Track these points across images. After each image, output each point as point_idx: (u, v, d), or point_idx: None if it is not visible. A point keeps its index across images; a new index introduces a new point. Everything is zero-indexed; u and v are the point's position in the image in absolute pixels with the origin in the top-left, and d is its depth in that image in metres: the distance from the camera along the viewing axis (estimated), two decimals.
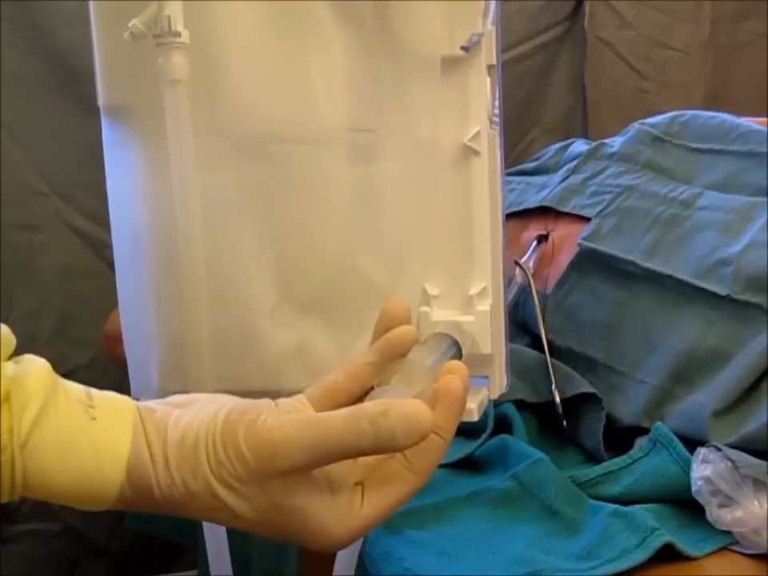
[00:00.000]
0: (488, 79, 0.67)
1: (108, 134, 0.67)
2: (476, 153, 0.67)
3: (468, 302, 0.68)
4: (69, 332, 1.32)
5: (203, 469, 0.45)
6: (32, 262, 1.29)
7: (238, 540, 0.97)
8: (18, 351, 0.48)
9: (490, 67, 0.67)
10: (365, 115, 0.66)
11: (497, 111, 0.68)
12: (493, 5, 0.66)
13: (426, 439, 0.44)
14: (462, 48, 0.65)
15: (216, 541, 0.75)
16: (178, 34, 0.59)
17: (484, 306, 0.67)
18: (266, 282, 0.66)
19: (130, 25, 0.59)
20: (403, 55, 0.65)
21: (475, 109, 0.66)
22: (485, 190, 0.67)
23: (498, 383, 0.69)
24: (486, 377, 0.68)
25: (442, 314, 0.68)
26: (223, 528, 0.74)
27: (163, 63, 0.59)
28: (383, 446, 0.43)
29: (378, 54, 0.65)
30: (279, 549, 0.85)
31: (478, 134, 0.66)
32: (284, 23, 0.64)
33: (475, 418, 0.64)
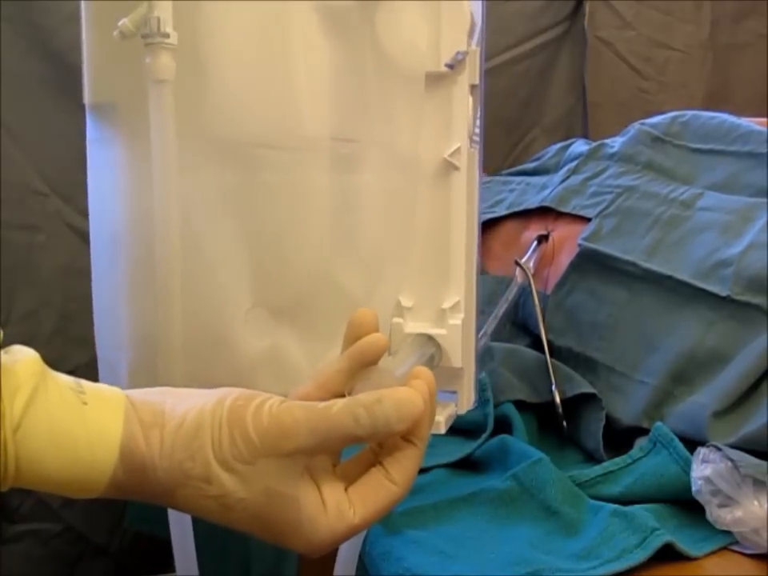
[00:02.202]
0: (470, 98, 0.68)
1: (92, 132, 0.68)
2: (456, 168, 0.67)
3: (441, 315, 0.68)
4: (69, 332, 1.32)
5: (204, 451, 0.45)
6: (32, 262, 1.29)
7: (238, 540, 0.97)
8: None
9: (472, 87, 0.68)
10: (348, 125, 0.66)
11: (477, 131, 0.69)
12: (478, 26, 0.67)
13: (402, 449, 0.47)
14: (447, 65, 0.66)
15: (183, 543, 0.75)
16: (167, 35, 0.60)
17: (456, 319, 0.68)
18: (242, 286, 0.66)
19: (119, 24, 0.60)
20: (389, 69, 0.66)
21: (457, 125, 0.67)
22: (463, 205, 0.68)
23: (467, 398, 0.70)
24: (455, 392, 0.69)
25: (414, 326, 0.68)
26: (190, 529, 0.74)
27: (150, 63, 0.60)
28: (379, 432, 0.46)
29: (364, 66, 0.66)
30: (279, 549, 0.85)
31: (458, 150, 0.67)
32: (273, 30, 0.64)
33: (442, 430, 0.65)
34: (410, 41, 0.66)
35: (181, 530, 0.75)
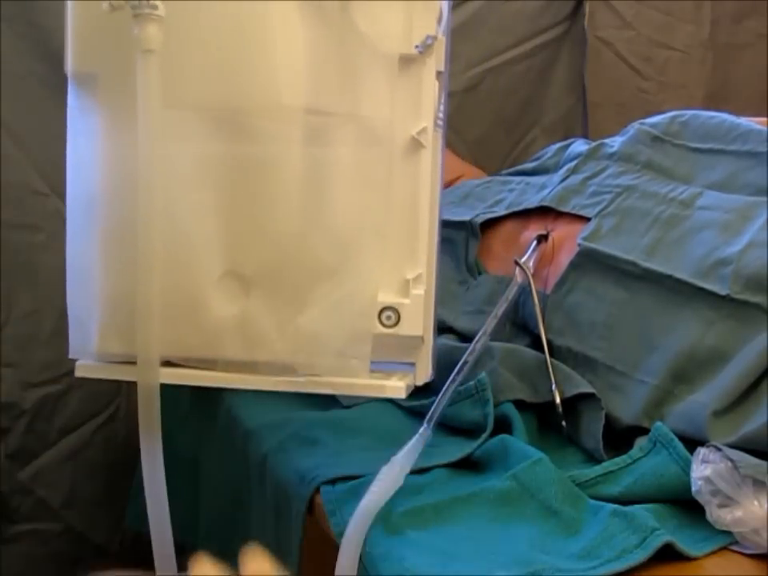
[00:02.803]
0: (436, 83, 0.73)
1: (73, 101, 0.71)
2: (422, 146, 0.72)
3: (405, 285, 0.73)
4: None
5: None
6: (32, 262, 1.29)
7: (238, 540, 0.97)
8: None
9: (438, 73, 0.73)
10: (323, 99, 0.71)
11: (441, 115, 0.74)
12: (446, 15, 0.72)
13: None
14: (417, 48, 0.71)
15: (162, 541, 0.75)
16: (155, 6, 0.62)
17: (419, 290, 0.73)
18: (215, 252, 0.69)
19: None
20: (364, 49, 0.70)
21: (425, 106, 0.72)
22: (428, 182, 0.73)
23: (424, 370, 0.75)
24: (413, 363, 0.73)
25: (382, 296, 0.73)
26: (169, 527, 0.74)
27: (138, 33, 0.62)
28: None
29: (341, 44, 0.71)
30: (279, 549, 0.85)
31: (425, 129, 0.72)
32: (253, 5, 0.68)
33: (403, 395, 0.71)
34: (386, 24, 0.70)
35: (160, 529, 0.75)
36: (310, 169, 0.70)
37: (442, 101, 0.74)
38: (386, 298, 0.73)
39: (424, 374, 0.75)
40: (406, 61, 0.71)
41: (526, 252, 1.01)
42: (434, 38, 0.71)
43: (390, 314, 0.73)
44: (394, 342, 0.71)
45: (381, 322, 0.73)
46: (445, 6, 0.72)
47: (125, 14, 0.62)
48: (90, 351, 0.72)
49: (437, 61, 0.72)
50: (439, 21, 0.71)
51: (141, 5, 0.62)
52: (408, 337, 0.73)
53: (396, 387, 0.72)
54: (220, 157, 0.68)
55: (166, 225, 0.66)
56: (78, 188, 0.72)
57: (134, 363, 0.67)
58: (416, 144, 0.72)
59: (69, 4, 0.68)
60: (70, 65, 0.70)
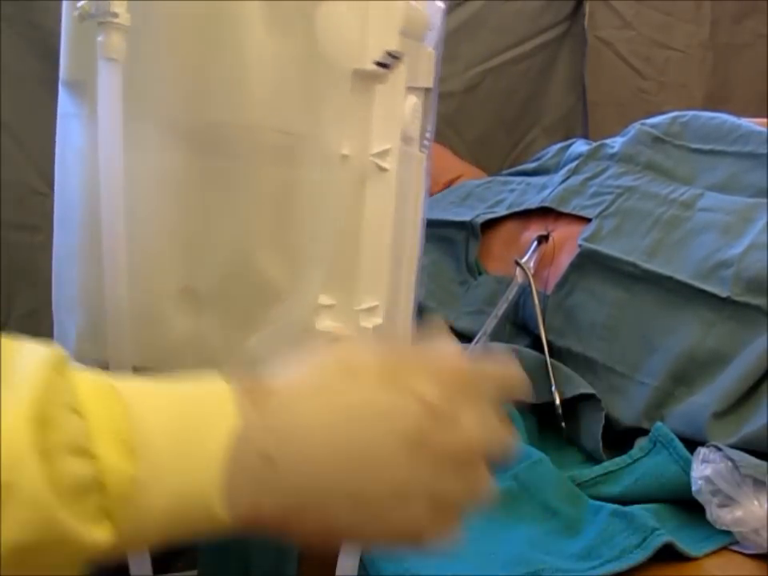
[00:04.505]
0: (414, 100, 0.66)
1: (63, 107, 0.71)
2: (383, 170, 0.66)
3: (355, 316, 0.68)
4: None
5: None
6: (32, 262, 1.29)
7: (238, 541, 0.97)
8: None
9: (426, 90, 0.66)
10: (289, 117, 0.67)
11: (429, 135, 0.68)
12: (436, 29, 0.66)
13: None
14: (379, 64, 0.65)
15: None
16: (116, 15, 0.61)
17: (368, 323, 0.67)
18: (174, 266, 0.68)
19: (78, 5, 0.62)
20: (323, 64, 0.66)
21: (387, 126, 0.66)
22: (389, 208, 0.67)
23: None
24: None
25: (329, 325, 0.68)
26: None
27: (101, 42, 0.62)
28: None
29: (306, 60, 0.67)
30: (279, 549, 0.85)
31: (387, 151, 0.66)
32: (220, 18, 0.66)
33: None
34: (341, 36, 0.66)
35: None
36: (270, 188, 0.67)
37: (431, 119, 0.68)
38: (331, 326, 0.68)
39: None
40: (364, 76, 0.65)
41: (527, 252, 1.01)
42: (399, 53, 0.64)
43: None
44: None
45: None
46: (437, 17, 0.67)
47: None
48: (70, 355, 0.72)
49: (414, 76, 0.66)
50: (417, 35, 0.65)
51: (104, 13, 0.62)
52: None
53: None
54: (184, 170, 0.66)
55: (131, 235, 0.65)
56: (62, 193, 0.72)
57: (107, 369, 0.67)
58: (375, 167, 0.66)
59: (63, 11, 0.69)
60: (61, 72, 0.70)
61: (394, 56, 0.64)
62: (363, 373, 0.41)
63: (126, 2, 0.61)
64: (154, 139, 0.66)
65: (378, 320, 0.68)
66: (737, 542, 0.71)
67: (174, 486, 0.37)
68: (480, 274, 1.07)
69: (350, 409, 0.40)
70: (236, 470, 0.38)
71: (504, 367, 0.45)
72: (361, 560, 0.71)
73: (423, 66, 0.66)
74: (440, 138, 1.41)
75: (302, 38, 0.66)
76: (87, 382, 0.38)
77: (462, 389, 0.42)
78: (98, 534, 0.36)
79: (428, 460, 0.40)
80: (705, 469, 0.72)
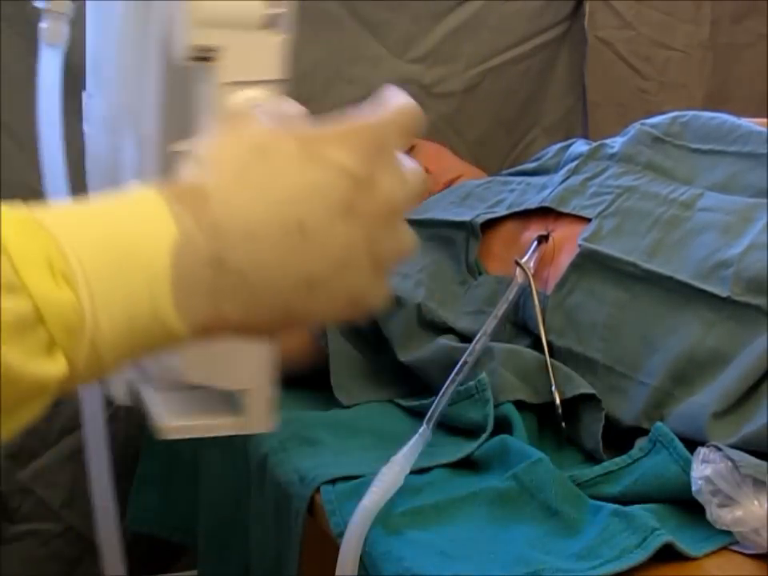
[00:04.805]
0: (251, 94, 0.61)
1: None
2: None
3: None
4: None
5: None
6: None
7: (238, 540, 0.97)
8: None
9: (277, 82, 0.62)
10: (170, 127, 0.67)
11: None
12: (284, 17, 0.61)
13: None
14: (194, 58, 0.61)
15: (110, 543, 0.75)
16: (61, 6, 0.63)
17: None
18: None
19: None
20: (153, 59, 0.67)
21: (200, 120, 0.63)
22: None
23: (257, 419, 0.70)
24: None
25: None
26: (117, 529, 0.74)
27: (43, 28, 0.63)
28: None
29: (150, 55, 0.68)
30: (279, 549, 0.85)
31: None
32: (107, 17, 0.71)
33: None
34: (161, 32, 0.65)
35: (108, 531, 0.75)
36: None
37: None
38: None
39: (257, 422, 0.70)
40: (177, 71, 0.62)
41: (527, 252, 1.01)
42: (213, 48, 0.59)
43: None
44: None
45: None
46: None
47: None
48: None
49: (246, 69, 0.59)
50: (257, 22, 0.59)
51: (49, 3, 0.63)
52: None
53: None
54: (102, 156, 0.73)
55: None
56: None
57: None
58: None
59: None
60: None
61: (207, 50, 0.60)
62: (280, 153, 0.42)
63: None
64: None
65: None
66: (737, 542, 0.71)
67: (123, 307, 0.37)
68: (480, 273, 1.07)
69: (282, 192, 0.41)
70: (187, 281, 0.38)
71: (398, 106, 0.46)
72: (361, 560, 0.71)
73: (264, 58, 0.60)
74: (440, 137, 1.42)
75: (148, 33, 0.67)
76: (9, 219, 0.38)
77: (373, 146, 0.43)
78: (51, 367, 0.36)
79: (360, 224, 0.42)
80: (705, 469, 0.72)
